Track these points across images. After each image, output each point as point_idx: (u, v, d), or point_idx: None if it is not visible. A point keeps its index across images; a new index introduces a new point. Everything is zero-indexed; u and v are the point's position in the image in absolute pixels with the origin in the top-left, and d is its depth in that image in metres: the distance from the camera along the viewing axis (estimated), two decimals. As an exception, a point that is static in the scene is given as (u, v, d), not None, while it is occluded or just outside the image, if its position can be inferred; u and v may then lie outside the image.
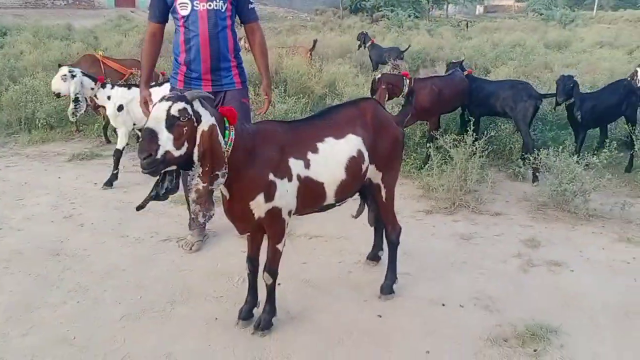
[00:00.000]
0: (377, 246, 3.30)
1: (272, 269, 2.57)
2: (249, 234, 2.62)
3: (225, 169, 2.18)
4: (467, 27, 22.73)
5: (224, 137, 2.20)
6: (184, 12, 3.04)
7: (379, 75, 5.23)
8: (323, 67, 8.56)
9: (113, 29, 17.37)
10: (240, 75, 3.33)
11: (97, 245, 3.56)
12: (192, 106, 2.10)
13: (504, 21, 27.56)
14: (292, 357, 2.48)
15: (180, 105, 2.06)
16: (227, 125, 2.24)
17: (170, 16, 3.16)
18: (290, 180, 2.42)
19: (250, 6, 3.21)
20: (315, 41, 10.15)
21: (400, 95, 5.17)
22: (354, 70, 8.87)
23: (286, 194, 2.41)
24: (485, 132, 4.78)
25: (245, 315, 2.71)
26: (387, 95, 5.02)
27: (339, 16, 32.51)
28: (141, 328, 2.67)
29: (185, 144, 2.09)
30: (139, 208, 2.28)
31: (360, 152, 2.64)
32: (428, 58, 11.92)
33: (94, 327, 2.67)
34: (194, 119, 2.11)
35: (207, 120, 2.14)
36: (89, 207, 4.23)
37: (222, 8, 3.06)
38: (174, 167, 2.17)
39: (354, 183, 2.69)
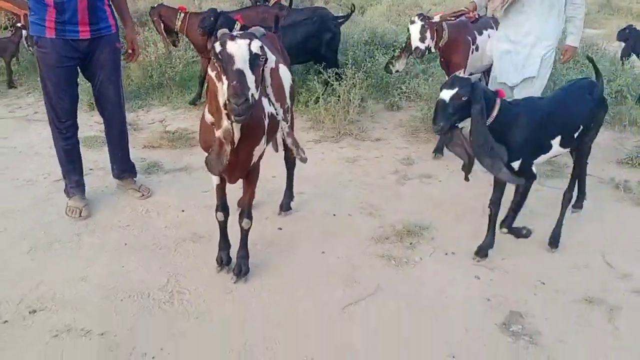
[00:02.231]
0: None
1: (251, 213, 2.58)
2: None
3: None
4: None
5: None
6: None
7: (155, 5, 5.28)
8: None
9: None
10: (112, 15, 3.06)
11: (-14, 190, 3.47)
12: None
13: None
14: (203, 269, 2.73)
15: (258, 42, 1.93)
16: None
17: None
18: (266, 118, 2.32)
19: None
20: None
21: (175, 28, 5.15)
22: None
23: (265, 134, 2.35)
24: (363, 65, 5.17)
25: (227, 260, 2.71)
26: (162, 26, 5.12)
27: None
28: (51, 258, 2.76)
29: (259, 85, 1.98)
30: None
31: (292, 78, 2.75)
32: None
33: (0, 262, 2.70)
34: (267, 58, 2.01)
35: (271, 57, 2.05)
36: (-32, 155, 4.03)
37: None
38: None
39: None
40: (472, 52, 4.21)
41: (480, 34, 4.27)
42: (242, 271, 2.63)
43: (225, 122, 2.05)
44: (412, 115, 4.96)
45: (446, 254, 2.96)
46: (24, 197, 3.40)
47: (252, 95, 1.90)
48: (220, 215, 2.62)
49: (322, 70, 5.20)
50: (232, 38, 1.93)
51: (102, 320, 2.33)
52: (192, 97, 5.27)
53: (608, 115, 5.05)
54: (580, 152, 3.11)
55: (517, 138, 2.57)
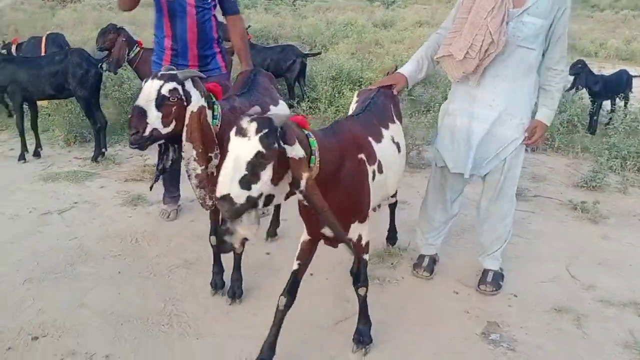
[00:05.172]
0: None
1: None
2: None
3: (217, 150, 2.23)
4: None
5: (213, 113, 2.29)
6: None
7: (120, 26, 5.33)
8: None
9: None
10: (224, 59, 3.38)
11: (-28, 224, 3.49)
12: (183, 86, 2.17)
13: (334, 2, 29.12)
14: (198, 294, 2.84)
15: (171, 85, 2.13)
16: (214, 100, 2.34)
17: None
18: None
19: None
20: None
21: (125, 59, 5.15)
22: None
23: None
24: (333, 101, 5.45)
25: (221, 284, 2.85)
26: (126, 50, 5.12)
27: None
28: (48, 288, 2.82)
29: (173, 123, 2.16)
30: (151, 187, 2.55)
31: None
32: (271, 36, 12.44)
33: (-3, 294, 2.75)
34: (184, 99, 2.17)
35: (197, 101, 2.20)
36: (-52, 191, 4.03)
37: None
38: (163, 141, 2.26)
39: None
40: (374, 178, 2.22)
41: (380, 139, 2.36)
42: (236, 294, 2.76)
43: (198, 170, 2.27)
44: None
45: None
46: (12, 230, 3.44)
47: (155, 129, 2.15)
48: (214, 239, 2.73)
49: (294, 104, 5.46)
50: (154, 77, 2.16)
51: (105, 344, 2.41)
52: None
53: (562, 142, 5.49)
54: None
55: None
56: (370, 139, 2.24)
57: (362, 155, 2.12)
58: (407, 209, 4.06)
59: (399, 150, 2.50)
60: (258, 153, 1.60)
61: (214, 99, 2.35)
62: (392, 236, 3.46)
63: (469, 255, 3.36)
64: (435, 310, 2.82)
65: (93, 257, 3.14)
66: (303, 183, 1.66)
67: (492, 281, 3.00)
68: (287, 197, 1.82)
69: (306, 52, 6.65)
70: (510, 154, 2.74)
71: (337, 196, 1.99)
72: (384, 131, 2.40)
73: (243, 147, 1.60)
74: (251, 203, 1.63)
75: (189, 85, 2.19)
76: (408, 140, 4.94)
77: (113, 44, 5.09)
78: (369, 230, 2.30)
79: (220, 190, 1.61)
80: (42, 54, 5.77)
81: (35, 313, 2.60)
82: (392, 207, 3.39)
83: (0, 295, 2.74)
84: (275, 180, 1.67)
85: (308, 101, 5.90)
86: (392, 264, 3.23)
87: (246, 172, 1.60)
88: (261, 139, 1.60)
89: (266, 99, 2.74)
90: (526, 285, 3.07)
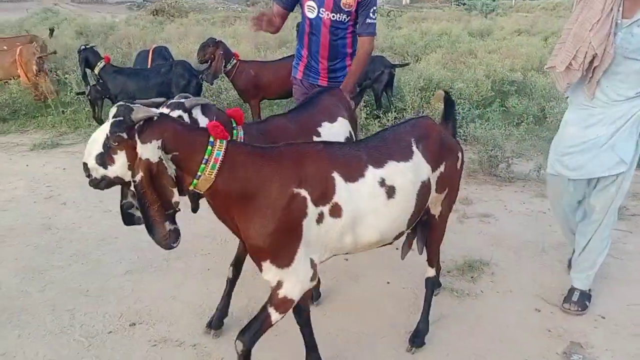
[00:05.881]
0: None
1: None
2: None
3: None
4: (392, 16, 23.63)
5: (231, 137, 2.32)
6: (310, 15, 3.24)
7: (218, 40, 5.53)
8: (267, 56, 9.01)
9: (41, 22, 16.91)
10: None
11: (84, 219, 3.91)
12: (190, 114, 2.25)
13: (429, 11, 28.81)
14: (278, 294, 2.98)
15: (177, 113, 2.19)
16: (234, 125, 2.40)
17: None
18: None
19: (369, 21, 3.23)
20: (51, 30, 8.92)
21: (222, 71, 5.37)
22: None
23: None
24: (421, 111, 5.45)
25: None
26: (223, 62, 5.33)
27: (271, 7, 32.54)
28: (145, 280, 3.11)
29: None
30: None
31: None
32: (363, 47, 12.57)
33: (102, 281, 3.08)
34: None
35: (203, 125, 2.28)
36: (65, 189, 4.52)
37: (344, 20, 3.23)
38: None
39: None
40: (320, 222, 1.93)
41: (355, 178, 1.99)
42: (313, 296, 2.87)
43: None
44: (469, 158, 5.15)
45: (508, 289, 3.10)
46: (117, 226, 3.76)
47: None
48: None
49: (380, 114, 5.52)
50: (163, 105, 2.17)
51: (193, 333, 2.63)
52: None
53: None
54: None
55: None
56: (335, 173, 1.91)
57: (301, 190, 1.85)
58: (493, 222, 3.98)
59: (390, 196, 2.01)
60: (106, 136, 1.74)
61: (234, 124, 2.38)
62: (417, 332, 2.61)
63: (555, 272, 3.25)
64: (513, 326, 2.76)
65: (186, 254, 3.40)
66: (137, 177, 1.72)
67: (577, 301, 2.89)
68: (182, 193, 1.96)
69: (395, 63, 6.69)
70: (623, 166, 2.69)
71: (247, 218, 1.90)
72: (370, 169, 1.98)
73: (103, 127, 1.76)
74: (108, 182, 1.81)
75: (196, 112, 2.26)
76: (497, 152, 4.85)
77: (212, 57, 5.44)
78: (300, 287, 1.96)
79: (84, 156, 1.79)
80: (149, 65, 6.28)
81: (133, 301, 2.88)
82: (429, 284, 2.67)
83: (105, 284, 3.06)
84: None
85: (395, 111, 5.94)
86: (471, 277, 3.19)
87: (102, 150, 1.76)
88: (111, 125, 1.72)
89: (320, 116, 2.76)
90: (616, 308, 2.91)
